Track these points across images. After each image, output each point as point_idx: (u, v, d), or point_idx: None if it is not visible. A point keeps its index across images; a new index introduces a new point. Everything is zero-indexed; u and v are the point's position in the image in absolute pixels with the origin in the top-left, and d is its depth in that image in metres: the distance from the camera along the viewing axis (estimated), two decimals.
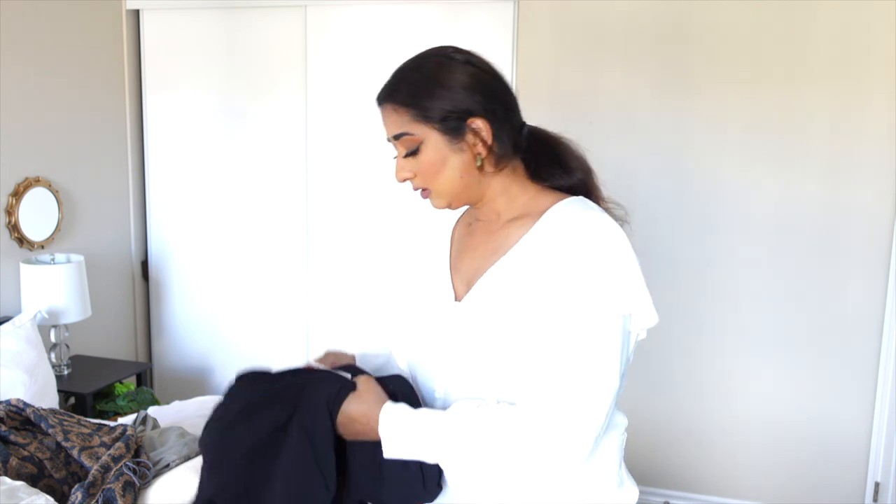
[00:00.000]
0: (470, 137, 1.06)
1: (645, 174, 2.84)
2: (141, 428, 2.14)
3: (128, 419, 2.28)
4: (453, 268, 1.16)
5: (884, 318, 2.69)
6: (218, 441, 1.10)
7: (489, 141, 1.07)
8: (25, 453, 1.79)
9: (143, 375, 2.97)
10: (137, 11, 3.23)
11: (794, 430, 2.83)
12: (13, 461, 1.74)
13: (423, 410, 1.05)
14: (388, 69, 1.12)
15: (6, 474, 1.71)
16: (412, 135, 1.07)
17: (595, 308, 0.99)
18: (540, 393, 0.99)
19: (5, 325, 2.48)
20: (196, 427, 2.34)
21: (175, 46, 3.20)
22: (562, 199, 1.09)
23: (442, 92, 1.06)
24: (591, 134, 2.89)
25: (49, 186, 2.84)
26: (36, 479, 1.76)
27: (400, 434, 1.02)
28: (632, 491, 1.14)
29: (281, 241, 3.21)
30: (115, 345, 3.26)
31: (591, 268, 0.99)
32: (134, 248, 3.35)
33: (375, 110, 1.11)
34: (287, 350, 3.26)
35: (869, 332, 2.71)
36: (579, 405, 0.98)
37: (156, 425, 2.19)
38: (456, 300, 1.12)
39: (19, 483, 1.67)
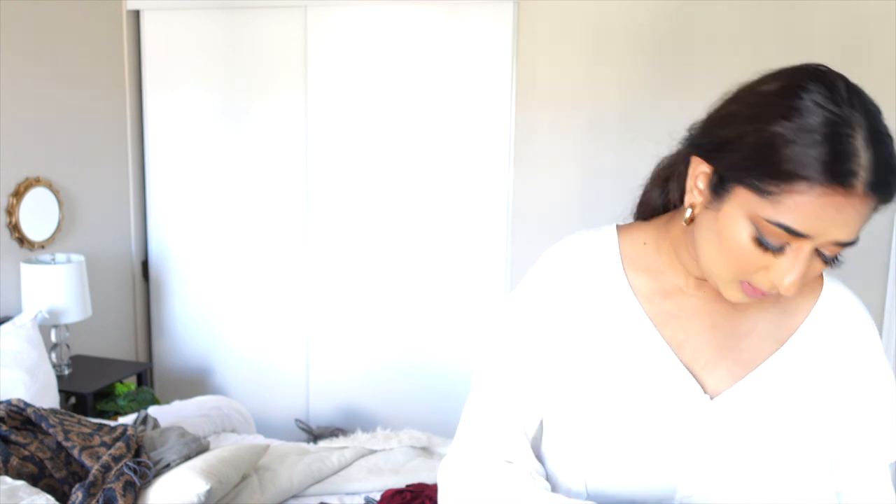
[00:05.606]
0: None
1: (645, 175, 2.84)
2: (141, 428, 2.14)
3: (128, 419, 2.29)
4: (676, 351, 0.91)
5: (883, 318, 2.69)
6: None
7: None
8: (26, 453, 1.79)
9: (144, 375, 2.98)
10: (137, 12, 3.23)
11: None
12: (14, 461, 1.74)
13: None
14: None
15: (7, 474, 1.71)
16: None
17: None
18: None
19: (6, 325, 2.48)
20: (196, 427, 2.35)
21: (175, 46, 3.20)
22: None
23: None
24: (591, 135, 2.89)
25: (50, 186, 2.84)
26: (36, 479, 1.76)
27: None
28: None
29: (281, 242, 3.21)
30: (116, 345, 3.27)
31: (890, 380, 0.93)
32: (134, 248, 3.36)
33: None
34: (287, 350, 3.27)
35: None
36: None
37: (156, 425, 2.19)
38: (704, 393, 0.90)
39: (20, 483, 1.67)
